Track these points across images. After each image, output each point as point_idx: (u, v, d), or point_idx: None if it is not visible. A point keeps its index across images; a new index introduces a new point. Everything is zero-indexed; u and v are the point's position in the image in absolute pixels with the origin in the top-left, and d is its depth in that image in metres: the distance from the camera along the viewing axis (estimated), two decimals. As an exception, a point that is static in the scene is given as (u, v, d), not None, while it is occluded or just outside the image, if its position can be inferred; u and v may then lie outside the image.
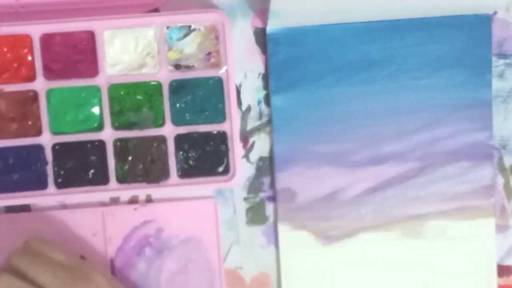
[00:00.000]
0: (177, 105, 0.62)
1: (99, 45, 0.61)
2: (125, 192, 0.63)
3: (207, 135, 0.62)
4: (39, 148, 0.62)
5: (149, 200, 0.64)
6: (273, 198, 0.64)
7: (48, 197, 0.62)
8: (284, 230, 0.64)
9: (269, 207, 0.64)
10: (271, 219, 0.64)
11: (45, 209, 0.63)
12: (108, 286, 0.56)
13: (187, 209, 0.63)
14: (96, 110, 0.62)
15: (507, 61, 0.65)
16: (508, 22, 0.64)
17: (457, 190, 0.64)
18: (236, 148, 0.62)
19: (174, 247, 0.63)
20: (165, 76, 0.62)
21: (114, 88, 0.62)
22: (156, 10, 0.63)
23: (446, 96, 0.64)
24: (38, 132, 0.62)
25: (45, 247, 0.57)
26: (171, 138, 0.62)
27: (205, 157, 0.63)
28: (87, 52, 0.62)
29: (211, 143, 0.63)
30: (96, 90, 0.62)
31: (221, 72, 0.62)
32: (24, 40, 0.61)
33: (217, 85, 0.62)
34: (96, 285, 0.55)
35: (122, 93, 0.62)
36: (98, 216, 0.63)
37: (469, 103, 0.64)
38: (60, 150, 0.62)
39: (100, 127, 0.62)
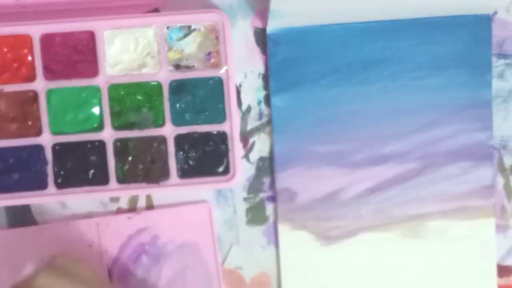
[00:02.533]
0: (177, 105, 0.62)
1: (99, 45, 0.61)
2: (125, 192, 0.63)
3: (207, 135, 0.62)
4: (39, 148, 0.62)
5: (148, 200, 0.64)
6: (273, 198, 0.64)
7: (48, 197, 0.62)
8: (284, 230, 0.64)
9: (269, 207, 0.64)
10: (271, 219, 0.64)
11: (41, 214, 0.63)
12: None
13: (181, 214, 0.63)
14: (96, 110, 0.62)
15: (507, 61, 0.65)
16: (508, 22, 0.64)
17: (457, 190, 0.64)
18: (236, 148, 0.62)
19: (170, 253, 0.63)
20: (165, 76, 0.62)
21: (114, 88, 0.62)
22: (156, 10, 0.63)
23: (446, 96, 0.64)
24: (38, 132, 0.62)
25: (72, 264, 0.55)
26: (171, 138, 0.62)
27: (205, 157, 0.63)
28: (87, 52, 0.62)
29: (211, 143, 0.63)
30: (96, 90, 0.62)
31: (221, 72, 0.62)
32: (24, 40, 0.61)
33: (217, 85, 0.62)
34: None
35: (122, 93, 0.62)
36: (93, 227, 0.63)
37: (469, 103, 0.64)
38: (60, 150, 0.62)
39: (100, 127, 0.62)
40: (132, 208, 0.64)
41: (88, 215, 0.63)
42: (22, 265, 0.62)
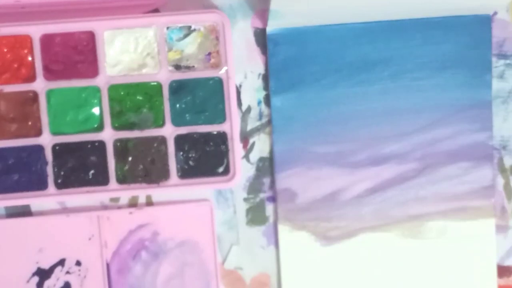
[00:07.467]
0: (177, 105, 0.62)
1: (99, 46, 0.61)
2: (125, 193, 0.63)
3: (207, 136, 0.62)
4: (39, 149, 0.62)
5: (149, 200, 0.64)
6: (273, 199, 0.64)
7: (48, 198, 0.62)
8: (284, 230, 0.64)
9: (269, 208, 0.64)
10: (271, 219, 0.64)
11: (42, 213, 0.63)
12: None
13: (182, 212, 0.63)
14: (96, 110, 0.62)
15: (507, 61, 0.65)
16: (508, 22, 0.64)
17: (457, 190, 0.64)
18: (236, 148, 0.62)
19: (170, 251, 0.63)
20: (165, 76, 0.62)
21: (114, 89, 0.62)
22: (156, 10, 0.63)
23: (446, 97, 0.64)
24: (38, 133, 0.62)
25: None
26: (171, 138, 0.62)
27: (205, 157, 0.63)
28: (87, 53, 0.62)
29: (211, 143, 0.63)
30: (96, 90, 0.62)
31: (221, 72, 0.62)
32: (24, 41, 0.61)
33: (217, 85, 0.62)
34: None
35: (122, 93, 0.62)
36: (94, 220, 0.63)
37: (469, 104, 0.64)
38: (60, 150, 0.62)
39: (100, 128, 0.62)
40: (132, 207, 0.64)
41: (88, 215, 0.63)
42: (21, 257, 0.62)
